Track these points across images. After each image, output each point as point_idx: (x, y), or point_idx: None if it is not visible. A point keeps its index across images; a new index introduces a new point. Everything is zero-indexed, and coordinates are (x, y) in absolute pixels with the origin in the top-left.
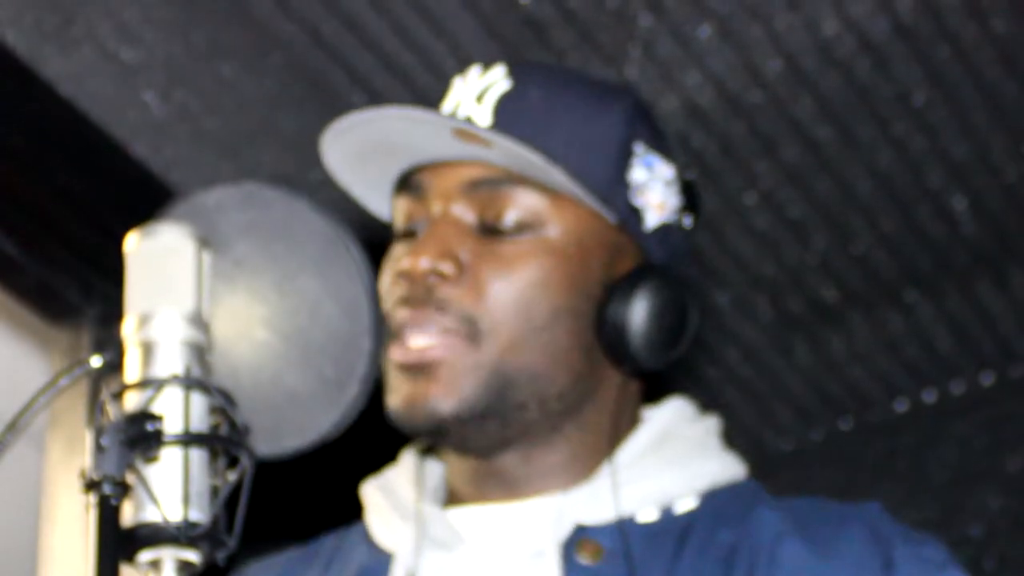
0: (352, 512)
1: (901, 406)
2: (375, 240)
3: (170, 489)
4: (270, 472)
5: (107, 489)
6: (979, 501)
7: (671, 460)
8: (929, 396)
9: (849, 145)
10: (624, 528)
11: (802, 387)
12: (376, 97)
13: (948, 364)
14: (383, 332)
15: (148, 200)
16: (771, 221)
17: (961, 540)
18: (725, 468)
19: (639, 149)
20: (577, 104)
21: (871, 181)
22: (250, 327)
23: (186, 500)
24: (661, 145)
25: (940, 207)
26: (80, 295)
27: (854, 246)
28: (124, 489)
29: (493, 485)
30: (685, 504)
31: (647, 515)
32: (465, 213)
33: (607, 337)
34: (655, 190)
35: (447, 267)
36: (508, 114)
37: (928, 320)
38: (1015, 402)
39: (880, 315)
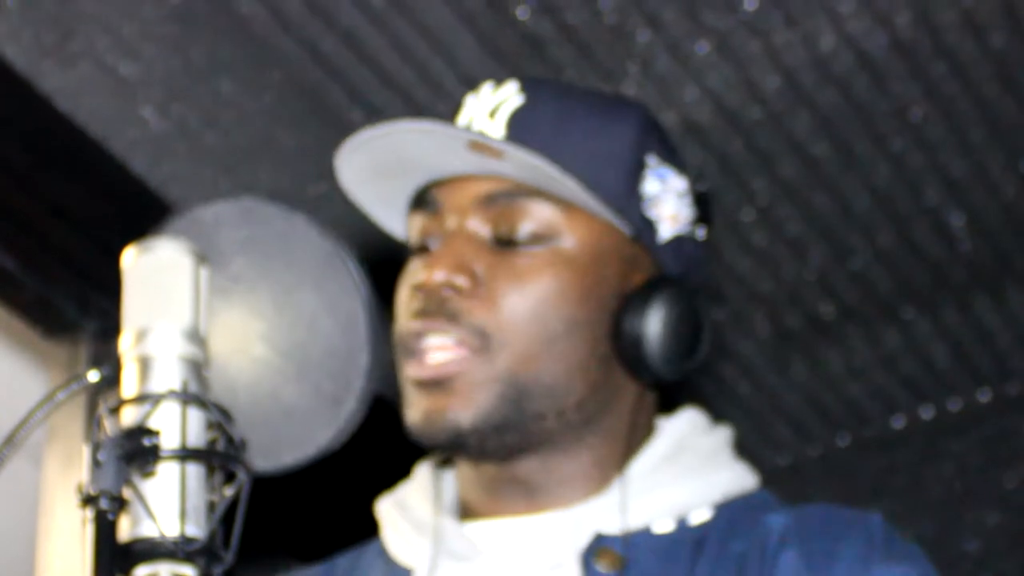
0: (348, 524)
1: (898, 422)
2: (373, 256)
3: (167, 504)
4: (267, 487)
5: (104, 504)
6: (976, 517)
7: (685, 471)
8: (926, 413)
9: (847, 161)
10: (641, 538)
11: (800, 403)
12: (375, 113)
13: (945, 381)
14: (380, 348)
15: (146, 215)
16: (769, 237)
17: (958, 556)
18: (737, 479)
19: (651, 161)
20: (589, 117)
21: (869, 197)
22: (247, 342)
23: (183, 515)
24: (673, 158)
25: (938, 223)
26: (78, 310)
27: (852, 262)
28: (121, 504)
29: (510, 494)
30: (699, 515)
31: (663, 526)
32: (480, 227)
33: (624, 348)
34: (668, 202)
35: (461, 280)
36: (521, 128)
37: (925, 337)
38: (1012, 419)
39: (878, 331)
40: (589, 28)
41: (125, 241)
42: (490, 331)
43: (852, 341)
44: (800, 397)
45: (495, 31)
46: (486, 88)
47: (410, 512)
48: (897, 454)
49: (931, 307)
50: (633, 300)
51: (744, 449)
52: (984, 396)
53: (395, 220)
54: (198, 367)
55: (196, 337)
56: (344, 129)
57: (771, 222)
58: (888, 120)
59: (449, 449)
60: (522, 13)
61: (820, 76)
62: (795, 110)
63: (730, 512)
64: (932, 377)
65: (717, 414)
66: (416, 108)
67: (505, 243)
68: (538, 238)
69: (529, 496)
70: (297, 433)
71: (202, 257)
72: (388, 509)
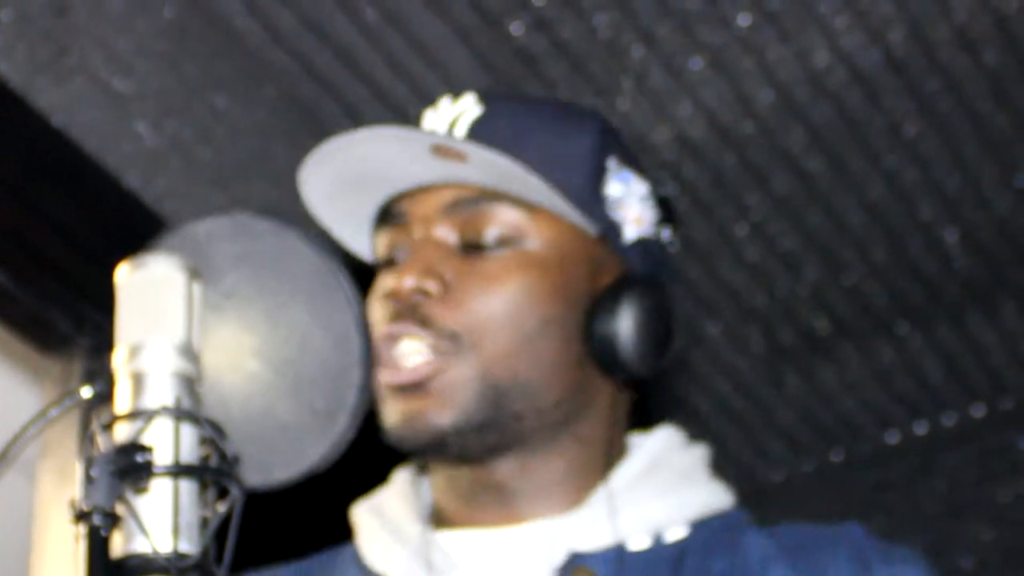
0: (342, 540)
1: (892, 438)
2: (365, 271)
3: (160, 520)
4: (260, 503)
5: (97, 520)
6: (970, 533)
7: (662, 488)
8: (920, 428)
9: (840, 177)
10: (617, 556)
11: (793, 418)
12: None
13: (939, 396)
14: (373, 364)
15: (140, 230)
16: (763, 253)
17: (952, 572)
18: (714, 497)
19: (612, 165)
20: (549, 123)
21: (862, 213)
22: (240, 358)
23: (176, 531)
24: (634, 162)
25: (931, 239)
26: (72, 325)
27: (845, 278)
28: (114, 520)
29: (486, 501)
30: (675, 533)
31: (639, 543)
32: (447, 234)
33: (596, 347)
34: (631, 205)
35: (431, 285)
36: (482, 136)
37: (919, 352)
38: (1006, 434)
39: (871, 347)
40: (583, 44)
41: (119, 256)
42: (460, 335)
43: (846, 356)
44: (794, 412)
45: (489, 47)
46: (445, 101)
47: (387, 519)
48: (891, 469)
49: (925, 322)
50: (603, 300)
51: (737, 464)
52: (978, 411)
53: (360, 239)
54: (191, 383)
55: (189, 353)
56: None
57: (765, 237)
58: (882, 136)
59: (429, 452)
60: (516, 29)
61: (814, 92)
62: (789, 126)
63: (707, 530)
64: (926, 392)
65: (711, 429)
66: (409, 124)
67: (473, 248)
68: (505, 241)
69: (505, 504)
70: (290, 449)
71: (195, 272)
72: (364, 515)
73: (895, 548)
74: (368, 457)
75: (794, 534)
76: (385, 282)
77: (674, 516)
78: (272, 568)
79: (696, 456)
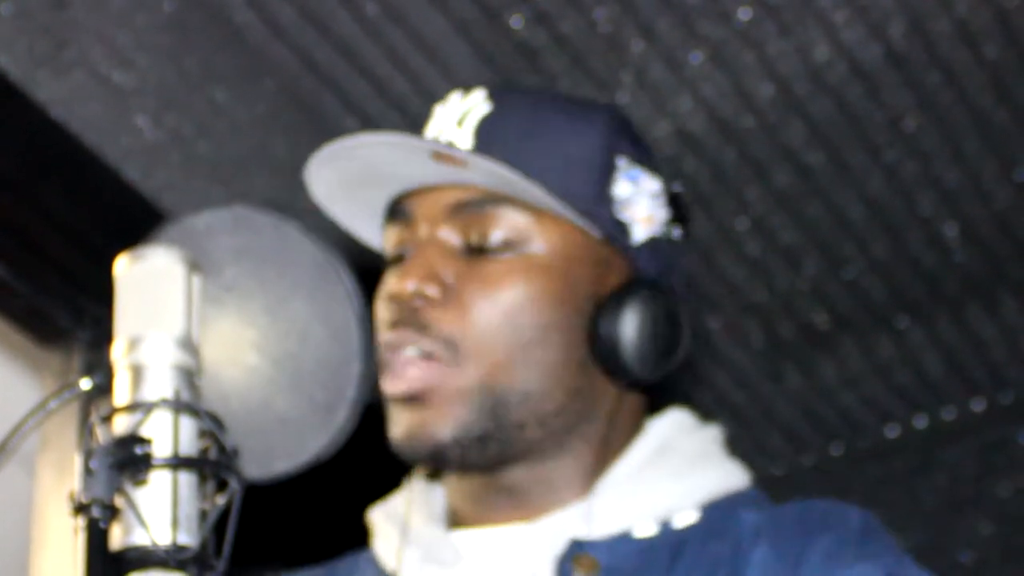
0: (340, 532)
1: (892, 432)
2: (365, 265)
3: (159, 512)
4: (259, 496)
5: (96, 512)
6: (970, 527)
7: (669, 473)
8: (920, 422)
9: (840, 171)
10: (620, 543)
11: (793, 412)
12: (369, 123)
13: (939, 390)
14: (372, 357)
15: (139, 224)
16: (762, 247)
17: (952, 566)
18: (726, 479)
19: (622, 163)
20: (557, 122)
21: (862, 207)
22: (240, 351)
23: (175, 523)
24: (645, 159)
25: (931, 233)
26: (71, 318)
27: (845, 272)
28: (113, 512)
29: (497, 502)
30: (685, 518)
31: (646, 530)
32: (451, 236)
33: (600, 351)
34: (641, 204)
35: (432, 289)
36: (488, 136)
37: (919, 346)
38: (1006, 428)
39: (871, 341)
40: (583, 38)
41: (118, 250)
42: (458, 341)
43: (846, 350)
44: (794, 406)
45: (489, 40)
46: (455, 96)
47: (397, 521)
48: (891, 463)
49: (925, 316)
50: (608, 303)
51: (737, 458)
52: (978, 405)
53: (373, 232)
54: (191, 375)
55: (189, 345)
56: (337, 139)
57: (765, 231)
58: (882, 130)
59: (432, 463)
60: (516, 23)
61: (814, 86)
62: (789, 120)
63: (717, 513)
64: (926, 386)
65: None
66: (410, 117)
67: (476, 251)
68: (509, 245)
69: (516, 504)
70: (289, 441)
71: (195, 265)
72: (379, 518)
73: (872, 542)
74: (369, 458)
75: (789, 514)
76: (389, 282)
77: (682, 501)
78: (300, 571)
79: (706, 437)
